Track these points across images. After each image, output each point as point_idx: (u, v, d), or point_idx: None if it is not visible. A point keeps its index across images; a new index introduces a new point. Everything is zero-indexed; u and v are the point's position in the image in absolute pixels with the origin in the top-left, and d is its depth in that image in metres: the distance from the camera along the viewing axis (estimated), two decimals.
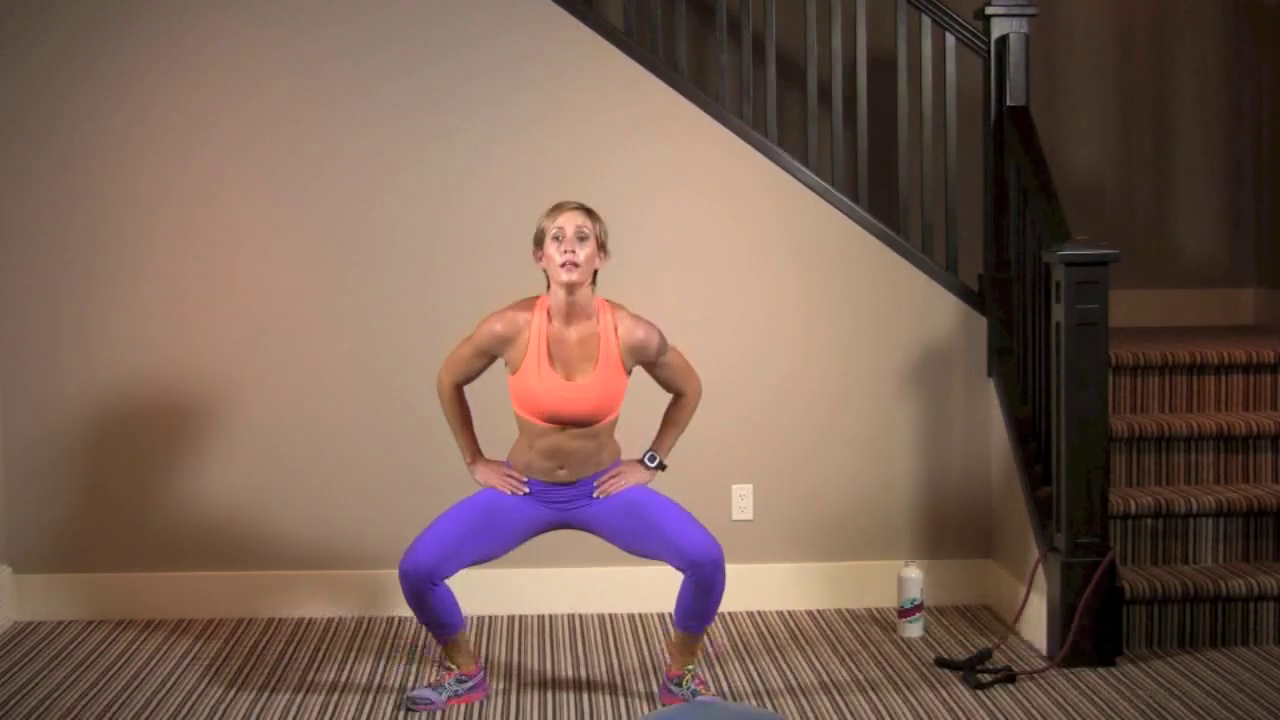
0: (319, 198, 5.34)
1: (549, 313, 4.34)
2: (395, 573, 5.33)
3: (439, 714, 4.43)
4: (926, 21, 5.47)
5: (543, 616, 5.37)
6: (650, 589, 5.28)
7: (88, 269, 5.31)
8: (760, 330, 5.42)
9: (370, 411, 5.37)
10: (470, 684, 4.54)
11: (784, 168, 5.41)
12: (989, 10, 5.36)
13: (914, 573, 5.10)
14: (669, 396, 4.57)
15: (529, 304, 4.38)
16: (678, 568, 4.38)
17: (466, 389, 4.52)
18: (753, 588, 5.42)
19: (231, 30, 5.30)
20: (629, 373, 4.41)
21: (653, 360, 4.42)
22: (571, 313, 4.32)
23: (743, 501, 5.44)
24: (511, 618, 5.35)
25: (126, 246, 5.31)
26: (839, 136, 5.49)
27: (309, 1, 5.31)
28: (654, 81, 5.36)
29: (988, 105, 5.45)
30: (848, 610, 5.43)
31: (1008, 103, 5.35)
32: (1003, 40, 5.36)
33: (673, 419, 4.56)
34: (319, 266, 5.35)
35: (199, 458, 5.36)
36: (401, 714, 4.42)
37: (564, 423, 4.34)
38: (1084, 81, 6.61)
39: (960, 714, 4.37)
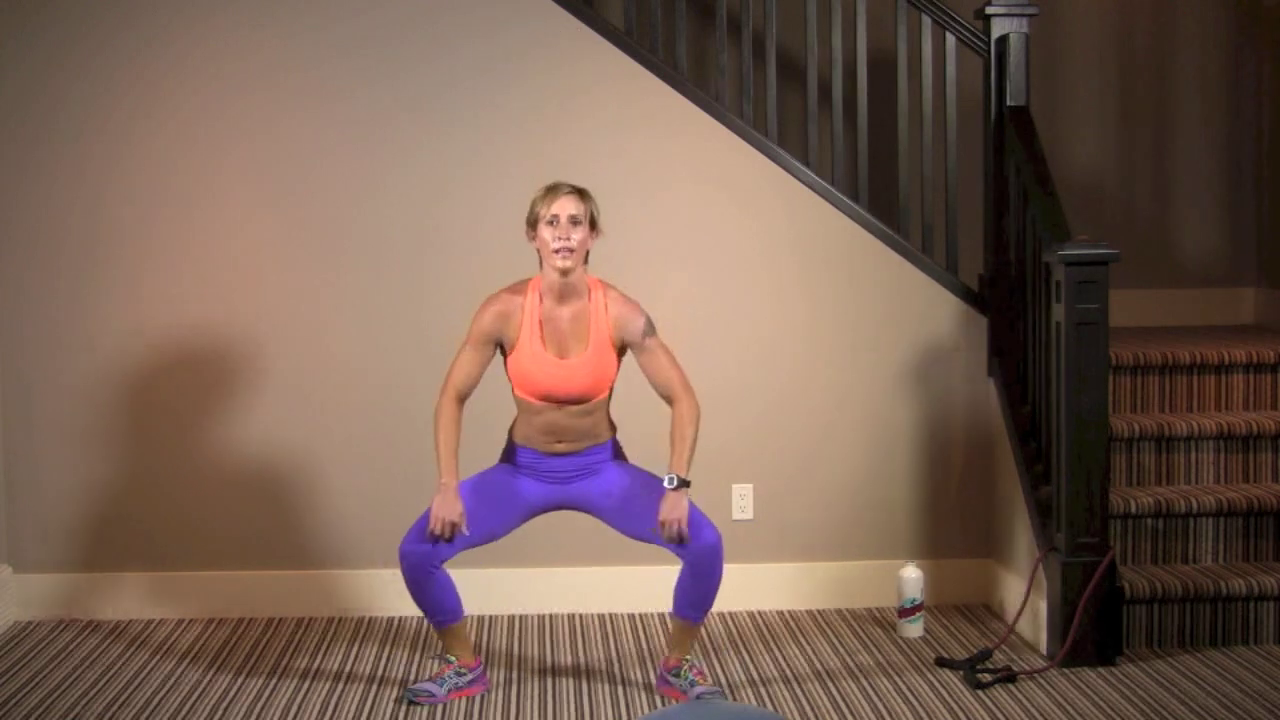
0: (316, 194, 5.34)
1: (541, 293, 4.41)
2: (396, 573, 5.34)
3: (440, 707, 4.43)
4: (926, 21, 5.47)
5: (543, 616, 5.37)
6: (650, 589, 5.27)
7: (87, 268, 5.32)
8: (760, 330, 5.42)
9: (369, 410, 5.37)
10: (470, 677, 4.56)
11: (784, 167, 5.41)
12: (989, 10, 5.36)
13: (914, 573, 5.10)
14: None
15: (522, 286, 4.45)
16: (676, 553, 4.41)
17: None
18: (753, 588, 5.42)
19: (229, 27, 5.30)
20: (620, 353, 4.44)
21: (637, 342, 4.43)
22: (564, 293, 4.38)
23: (743, 501, 5.44)
24: (511, 617, 5.35)
25: (126, 244, 5.31)
26: (839, 136, 5.49)
27: (310, 1, 5.31)
28: (654, 81, 5.36)
29: (988, 105, 5.45)
30: (848, 610, 5.42)
31: (1008, 103, 5.35)
32: (1003, 40, 5.36)
33: (676, 437, 4.45)
34: (315, 263, 5.35)
35: (199, 458, 5.36)
36: (403, 708, 4.42)
37: (558, 400, 4.39)
38: (1084, 81, 6.60)
39: (960, 714, 4.37)
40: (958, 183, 5.56)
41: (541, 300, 4.41)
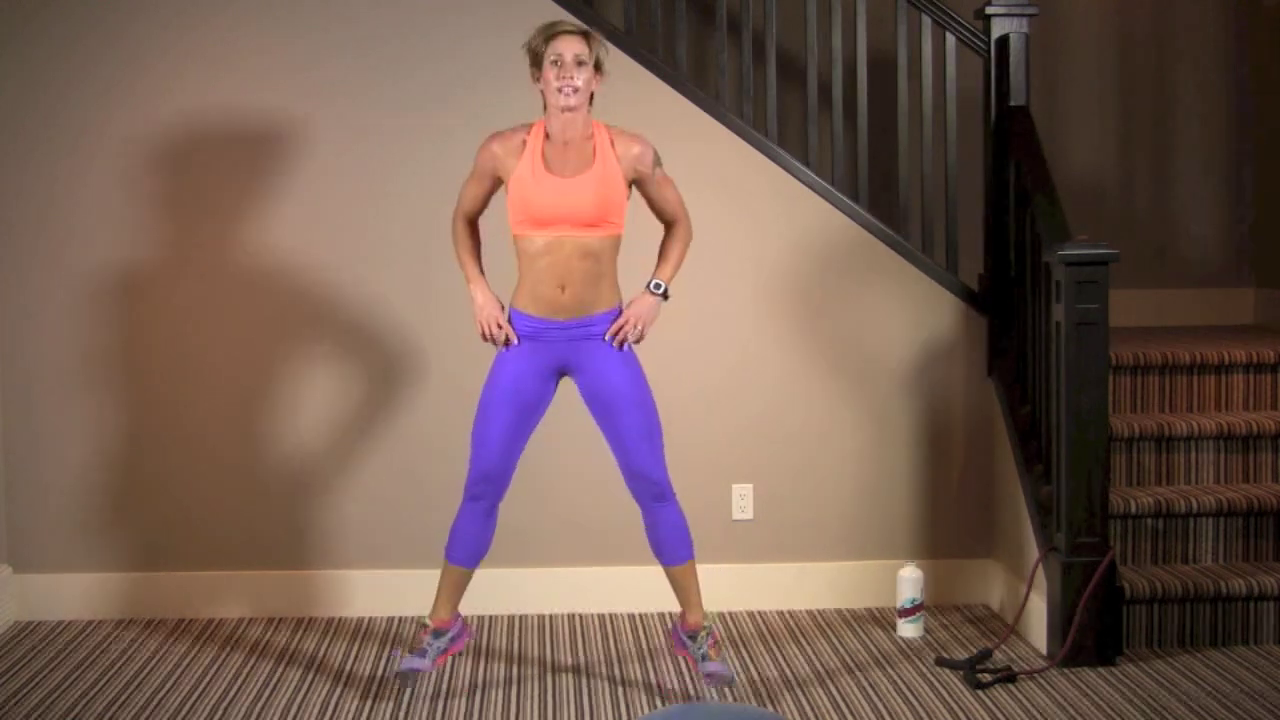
0: (318, 195, 5.34)
1: (546, 132, 4.39)
2: (395, 573, 5.35)
3: (440, 707, 4.43)
4: (926, 21, 5.47)
5: (543, 616, 5.37)
6: (650, 589, 5.27)
7: (88, 268, 5.31)
8: (760, 330, 5.42)
9: (372, 411, 5.37)
10: (449, 635, 4.57)
11: (784, 167, 5.41)
12: (989, 10, 5.36)
13: (914, 573, 5.10)
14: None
15: (526, 125, 4.43)
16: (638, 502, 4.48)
17: None
18: (753, 588, 5.42)
19: (231, 28, 5.30)
20: (629, 186, 4.43)
21: (648, 174, 4.44)
22: (568, 132, 4.36)
23: (743, 501, 5.44)
24: (511, 617, 5.35)
25: (126, 245, 5.31)
26: (839, 136, 5.49)
27: (310, 1, 5.31)
28: (654, 81, 5.36)
29: (988, 105, 5.45)
30: (848, 610, 5.43)
31: (1008, 103, 5.35)
32: (1003, 40, 5.36)
33: (667, 249, 4.54)
34: (317, 264, 5.35)
35: (199, 457, 5.36)
36: (402, 709, 4.42)
37: (562, 224, 4.32)
38: (1084, 81, 6.61)
39: (960, 714, 4.37)
40: (958, 183, 5.56)
41: (546, 136, 4.38)
